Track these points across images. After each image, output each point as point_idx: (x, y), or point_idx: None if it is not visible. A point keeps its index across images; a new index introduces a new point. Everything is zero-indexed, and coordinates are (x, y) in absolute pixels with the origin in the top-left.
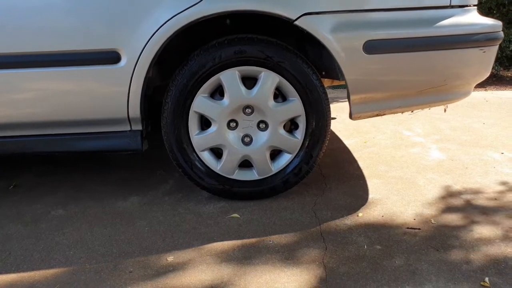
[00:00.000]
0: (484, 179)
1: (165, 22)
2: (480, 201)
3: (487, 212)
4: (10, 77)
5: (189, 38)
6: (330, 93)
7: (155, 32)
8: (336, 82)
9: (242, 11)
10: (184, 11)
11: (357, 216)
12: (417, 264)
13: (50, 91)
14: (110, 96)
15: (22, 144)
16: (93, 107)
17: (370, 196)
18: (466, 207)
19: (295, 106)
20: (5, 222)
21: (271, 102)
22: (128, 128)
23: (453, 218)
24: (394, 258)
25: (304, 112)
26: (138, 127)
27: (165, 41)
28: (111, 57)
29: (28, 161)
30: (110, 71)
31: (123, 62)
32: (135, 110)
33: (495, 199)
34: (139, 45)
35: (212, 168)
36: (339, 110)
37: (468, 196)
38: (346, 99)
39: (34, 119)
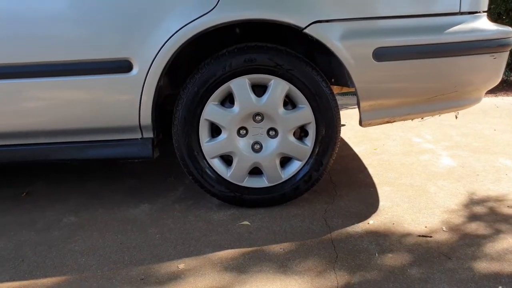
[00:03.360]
0: (496, 186)
1: (176, 32)
2: (493, 208)
3: (500, 219)
4: (24, 87)
5: (200, 46)
6: (339, 100)
7: (166, 42)
8: (345, 89)
9: (252, 20)
10: (195, 21)
11: (368, 223)
12: (429, 273)
13: (63, 99)
14: (122, 104)
15: (35, 152)
16: (105, 115)
17: (381, 203)
18: (478, 214)
19: (304, 113)
20: (18, 229)
21: (281, 109)
22: (139, 136)
23: (465, 226)
24: (405, 266)
25: (314, 119)
26: (149, 135)
27: (176, 50)
28: (123, 66)
29: (40, 169)
30: (122, 80)
31: (135, 71)
32: (147, 118)
33: (508, 206)
34: (151, 54)
35: (222, 175)
36: (348, 117)
37: (481, 204)
38: (355, 106)
39: (47, 128)
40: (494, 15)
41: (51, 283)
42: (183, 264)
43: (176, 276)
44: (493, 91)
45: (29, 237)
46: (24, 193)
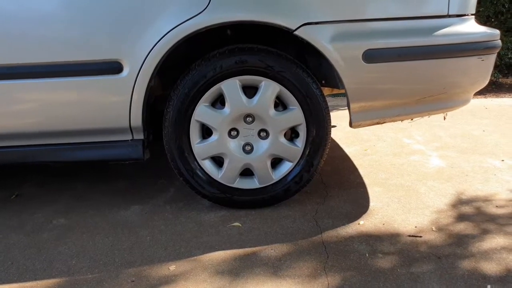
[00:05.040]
0: (484, 186)
1: (167, 33)
2: (482, 208)
3: (488, 219)
4: (13, 88)
5: (191, 47)
6: (330, 101)
7: (157, 43)
8: (335, 91)
9: (243, 21)
10: (186, 22)
11: (359, 224)
12: (419, 272)
13: (53, 101)
14: (112, 105)
15: (24, 154)
16: (95, 117)
17: (371, 204)
18: (467, 214)
19: (295, 115)
20: (7, 231)
21: (272, 110)
22: (130, 138)
23: (455, 226)
24: (396, 266)
25: (304, 121)
26: (140, 136)
27: (167, 51)
28: (114, 67)
29: (30, 171)
30: (112, 81)
31: (125, 72)
32: (137, 119)
33: (496, 206)
34: (141, 55)
35: (213, 177)
36: (339, 118)
37: (470, 204)
38: (346, 107)
39: (37, 129)
40: (483, 18)
41: (40, 286)
42: (174, 266)
43: (167, 278)
44: (482, 93)
45: (18, 240)
46: (14, 195)
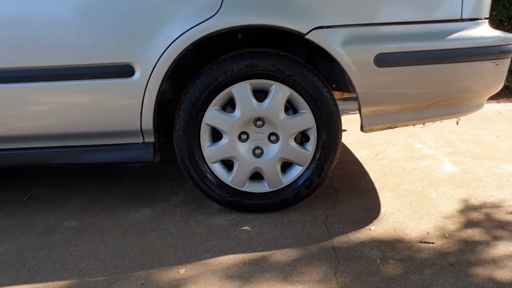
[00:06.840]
0: (498, 192)
1: (178, 37)
2: (496, 215)
3: (502, 226)
4: (26, 91)
5: (202, 51)
6: (340, 105)
7: (168, 46)
8: (346, 94)
9: (253, 25)
10: (197, 26)
11: (370, 229)
12: (432, 280)
13: (66, 104)
14: (124, 108)
15: (37, 156)
16: (107, 120)
17: (382, 209)
18: (480, 220)
19: (306, 119)
20: (20, 232)
21: (282, 114)
22: (141, 140)
23: (468, 232)
24: (408, 273)
25: (315, 125)
26: (151, 139)
27: (178, 55)
28: (125, 71)
29: (42, 173)
30: (124, 85)
31: (137, 75)
32: (148, 122)
33: (510, 213)
34: (153, 59)
35: (223, 180)
36: (349, 122)
37: (483, 210)
38: (356, 111)
39: (50, 132)
40: (496, 22)
41: (51, 287)
42: (184, 270)
43: (176, 282)
44: (495, 97)
45: (30, 241)
46: (26, 197)
